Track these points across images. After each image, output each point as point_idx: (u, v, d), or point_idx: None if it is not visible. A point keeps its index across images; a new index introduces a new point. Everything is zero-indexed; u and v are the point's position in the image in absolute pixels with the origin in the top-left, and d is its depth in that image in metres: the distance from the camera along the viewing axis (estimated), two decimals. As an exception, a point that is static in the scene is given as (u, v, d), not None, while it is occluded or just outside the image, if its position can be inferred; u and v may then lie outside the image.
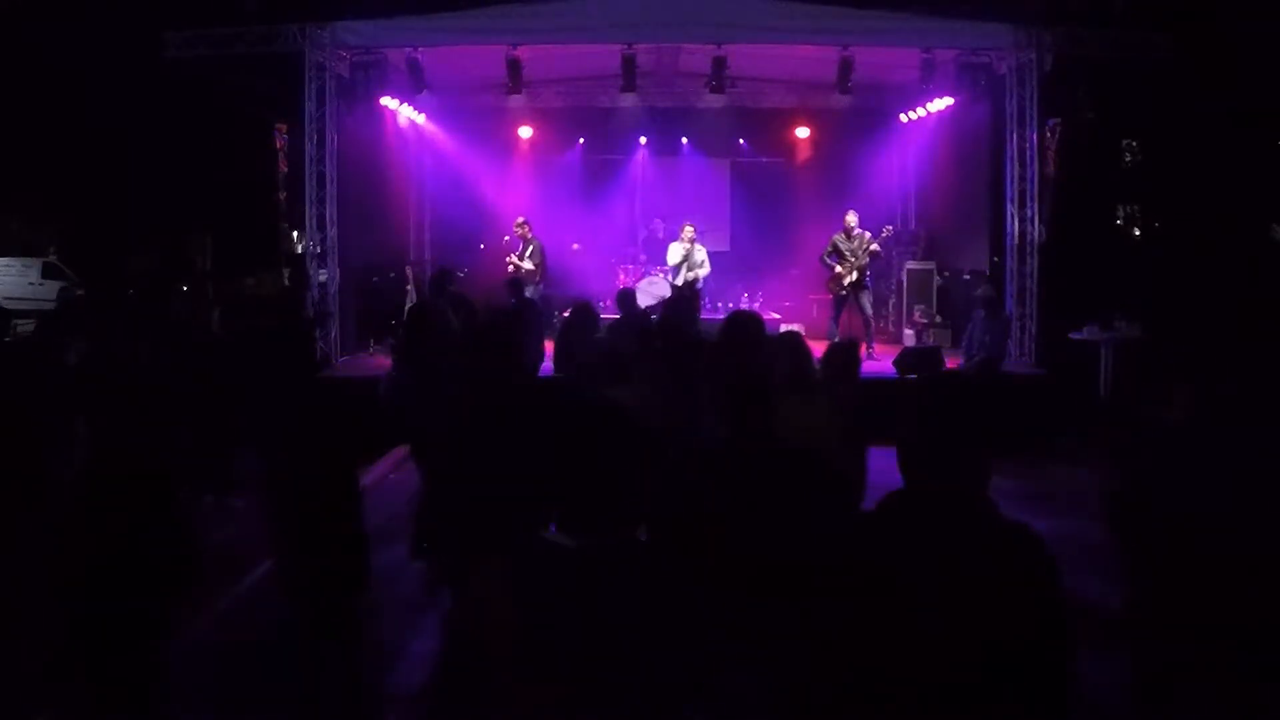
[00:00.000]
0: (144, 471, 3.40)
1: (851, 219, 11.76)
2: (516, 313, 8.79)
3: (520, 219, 12.75)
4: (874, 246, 11.64)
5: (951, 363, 10.50)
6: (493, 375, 4.28)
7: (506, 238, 12.78)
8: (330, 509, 3.83)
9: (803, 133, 15.50)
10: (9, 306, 10.74)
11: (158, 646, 3.44)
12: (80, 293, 22.53)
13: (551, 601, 1.93)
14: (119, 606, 3.26)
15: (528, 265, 12.37)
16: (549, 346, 9.15)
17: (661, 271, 13.50)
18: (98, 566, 3.25)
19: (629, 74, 11.73)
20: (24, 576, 3.72)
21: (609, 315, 9.74)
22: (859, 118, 14.59)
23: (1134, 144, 22.76)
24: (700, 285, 12.54)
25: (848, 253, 11.62)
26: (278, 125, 12.84)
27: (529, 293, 11.28)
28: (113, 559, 3.25)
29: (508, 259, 12.48)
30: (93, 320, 8.31)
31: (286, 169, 12.87)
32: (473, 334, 5.77)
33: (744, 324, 5.10)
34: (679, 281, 12.49)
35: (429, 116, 14.59)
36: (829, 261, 11.76)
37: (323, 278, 11.49)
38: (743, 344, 4.86)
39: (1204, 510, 3.28)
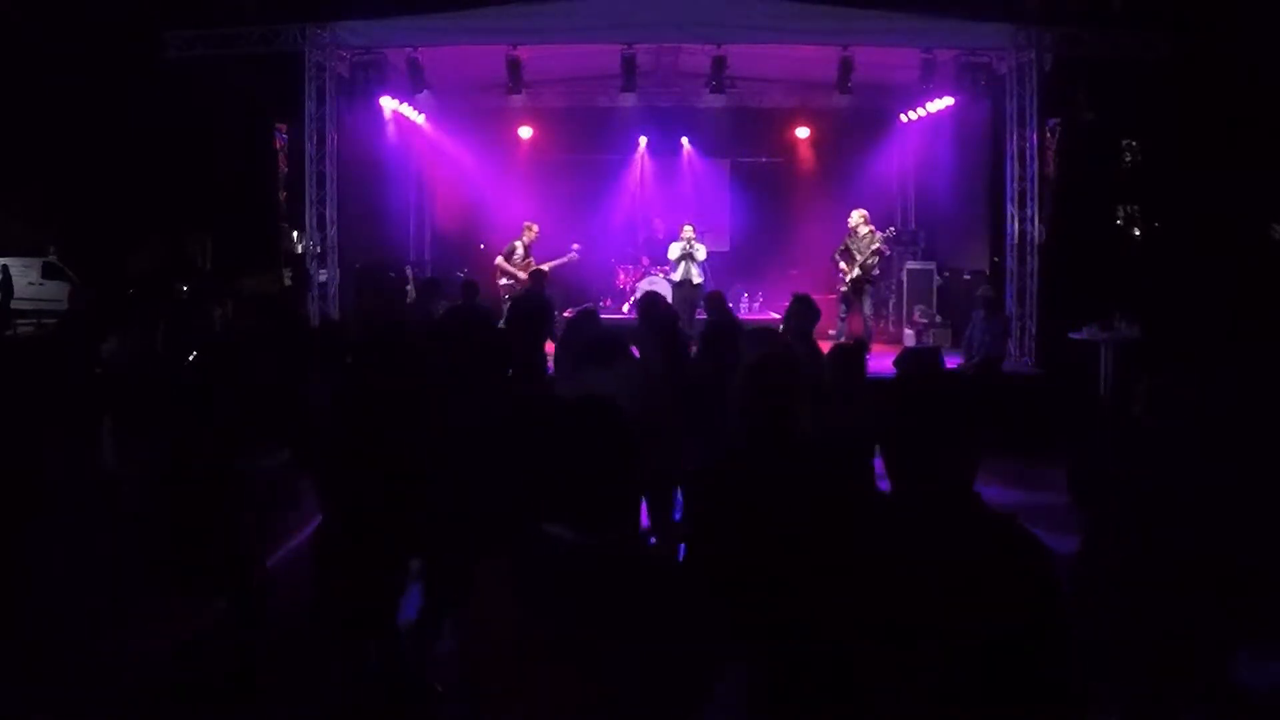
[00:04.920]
0: (224, 473, 3.49)
1: (854, 218, 11.76)
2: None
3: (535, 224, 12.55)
4: (876, 245, 11.63)
5: (951, 363, 10.50)
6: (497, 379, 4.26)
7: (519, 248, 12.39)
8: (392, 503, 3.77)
9: (803, 133, 15.50)
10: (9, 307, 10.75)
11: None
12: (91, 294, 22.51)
13: (553, 599, 1.93)
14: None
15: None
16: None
17: (661, 271, 13.48)
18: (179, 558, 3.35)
19: (629, 74, 11.73)
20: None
21: (609, 316, 9.75)
22: (859, 118, 14.60)
23: (1134, 144, 22.72)
24: (700, 284, 12.53)
25: (855, 251, 11.63)
26: (278, 125, 12.84)
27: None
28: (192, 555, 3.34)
29: (553, 265, 12.26)
30: (111, 320, 8.30)
31: (286, 169, 12.88)
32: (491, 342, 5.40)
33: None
34: (676, 278, 12.47)
35: (429, 116, 14.59)
36: (838, 259, 11.78)
37: (323, 278, 11.50)
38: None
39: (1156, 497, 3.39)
